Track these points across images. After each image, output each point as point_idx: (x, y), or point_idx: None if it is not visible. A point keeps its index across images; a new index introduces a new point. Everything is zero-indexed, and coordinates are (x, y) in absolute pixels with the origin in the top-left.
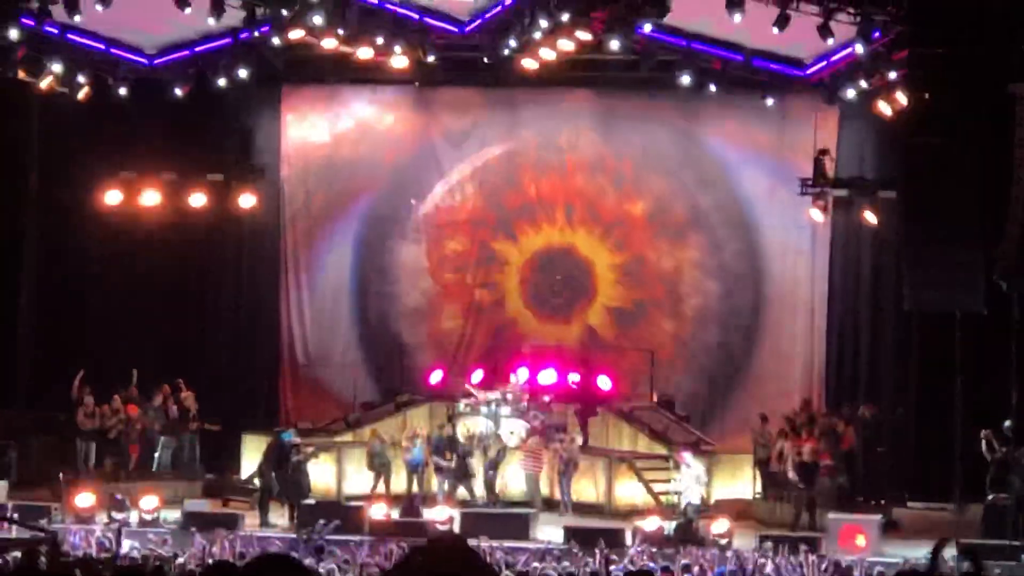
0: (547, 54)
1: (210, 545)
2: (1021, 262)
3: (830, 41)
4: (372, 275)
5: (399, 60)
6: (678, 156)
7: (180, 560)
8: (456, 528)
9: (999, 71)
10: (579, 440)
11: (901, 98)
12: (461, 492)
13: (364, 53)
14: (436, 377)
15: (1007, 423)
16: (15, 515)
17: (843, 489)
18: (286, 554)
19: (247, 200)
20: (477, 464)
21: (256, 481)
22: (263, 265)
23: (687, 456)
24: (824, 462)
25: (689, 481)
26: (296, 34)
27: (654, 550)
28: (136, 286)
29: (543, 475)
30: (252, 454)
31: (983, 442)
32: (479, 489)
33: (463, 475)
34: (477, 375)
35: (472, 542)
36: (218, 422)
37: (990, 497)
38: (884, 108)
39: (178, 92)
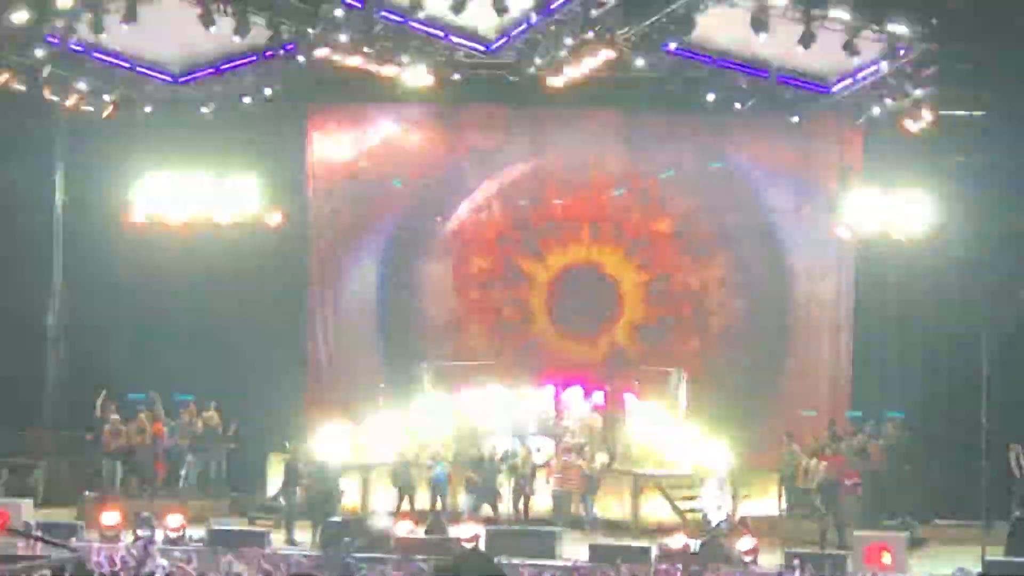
0: (573, 72)
1: (236, 563)
2: None
3: (855, 59)
4: (398, 292)
5: (425, 78)
6: (704, 174)
7: None
8: (482, 546)
9: None
10: (602, 458)
11: (927, 115)
12: (486, 510)
13: (389, 71)
14: None
15: None
16: (39, 533)
17: (867, 506)
18: (314, 573)
19: (273, 218)
20: (504, 482)
21: (281, 499)
22: (289, 282)
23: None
24: (851, 480)
25: (722, 499)
26: (321, 52)
27: (679, 567)
28: (162, 303)
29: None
30: (277, 472)
31: (1012, 456)
32: (505, 507)
33: (489, 492)
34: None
35: (497, 560)
36: (236, 431)
37: (1016, 514)
38: (910, 126)
39: (204, 110)
